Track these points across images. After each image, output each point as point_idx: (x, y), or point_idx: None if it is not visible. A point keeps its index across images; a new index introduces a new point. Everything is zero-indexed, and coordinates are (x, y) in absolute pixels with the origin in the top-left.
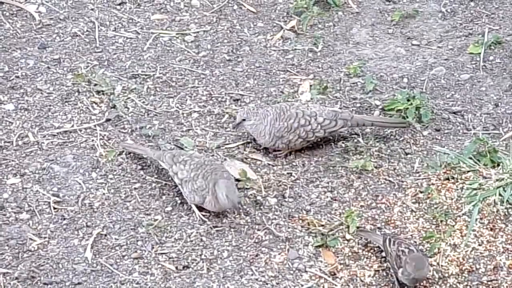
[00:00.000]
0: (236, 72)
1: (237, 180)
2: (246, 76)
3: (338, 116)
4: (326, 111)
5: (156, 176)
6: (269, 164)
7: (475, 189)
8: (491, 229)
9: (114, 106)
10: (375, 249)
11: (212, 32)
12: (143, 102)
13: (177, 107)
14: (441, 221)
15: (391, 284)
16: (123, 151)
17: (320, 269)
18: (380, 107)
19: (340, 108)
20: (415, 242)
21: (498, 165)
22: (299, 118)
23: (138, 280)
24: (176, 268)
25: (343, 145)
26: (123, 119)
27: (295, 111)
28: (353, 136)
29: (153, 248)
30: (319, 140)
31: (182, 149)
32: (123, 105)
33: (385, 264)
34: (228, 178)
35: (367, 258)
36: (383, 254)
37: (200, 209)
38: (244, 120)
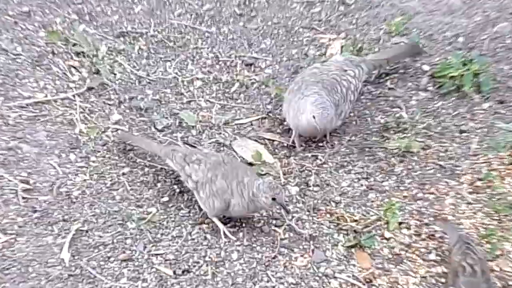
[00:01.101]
0: (248, 30)
1: (250, 164)
2: (261, 34)
3: (355, 64)
4: (342, 62)
5: (149, 159)
6: (289, 145)
7: None
8: None
9: (97, 72)
10: (422, 250)
11: None
12: (134, 66)
13: (176, 73)
14: (505, 215)
15: None
16: (108, 128)
17: (353, 275)
18: (428, 73)
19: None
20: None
21: None
22: (341, 82)
23: (127, 287)
24: (174, 272)
25: (382, 120)
26: (109, 88)
27: (333, 78)
28: (394, 109)
29: (145, 248)
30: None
31: (191, 146)
32: (109, 70)
33: (433, 270)
34: (255, 177)
35: (411, 261)
36: (431, 256)
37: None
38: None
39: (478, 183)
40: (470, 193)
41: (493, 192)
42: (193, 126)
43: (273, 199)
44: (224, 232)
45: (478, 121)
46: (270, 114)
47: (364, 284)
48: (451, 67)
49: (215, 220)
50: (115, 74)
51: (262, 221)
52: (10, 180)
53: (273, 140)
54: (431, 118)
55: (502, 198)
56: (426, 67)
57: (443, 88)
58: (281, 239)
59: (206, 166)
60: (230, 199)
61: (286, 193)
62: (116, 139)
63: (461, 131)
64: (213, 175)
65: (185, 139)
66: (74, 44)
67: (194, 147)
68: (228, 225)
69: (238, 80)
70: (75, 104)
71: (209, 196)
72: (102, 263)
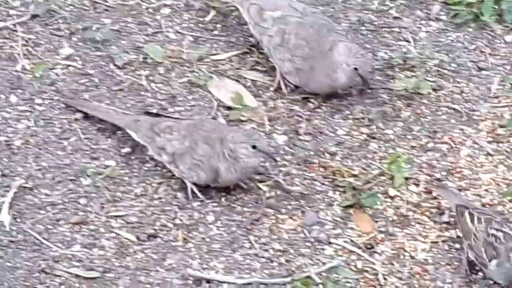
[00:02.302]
0: None
1: (229, 108)
2: None
3: None
4: None
5: (107, 101)
6: (276, 88)
7: None
8: None
9: None
10: (433, 210)
11: None
12: None
13: None
14: None
15: (455, 263)
16: (57, 64)
17: (351, 240)
18: None
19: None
20: (492, 199)
21: None
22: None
23: (80, 255)
24: (138, 238)
25: (385, 56)
26: (58, 16)
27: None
28: (400, 43)
29: (103, 208)
30: None
31: (156, 114)
32: None
33: (446, 234)
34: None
35: (420, 223)
36: (444, 218)
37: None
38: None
39: (500, 131)
40: (489, 142)
41: None
42: (160, 63)
43: (253, 147)
44: (192, 190)
45: (499, 56)
46: (253, 49)
47: (364, 251)
48: None
49: (188, 183)
50: None
51: None
52: None
53: (257, 80)
54: (444, 53)
55: None
56: None
57: (458, 17)
58: (266, 198)
59: (180, 133)
60: (218, 165)
61: (274, 142)
62: (62, 100)
63: (480, 69)
64: (192, 142)
65: (148, 108)
66: None
67: (160, 116)
68: None
69: (214, 8)
70: (16, 35)
71: (191, 168)
72: (50, 227)
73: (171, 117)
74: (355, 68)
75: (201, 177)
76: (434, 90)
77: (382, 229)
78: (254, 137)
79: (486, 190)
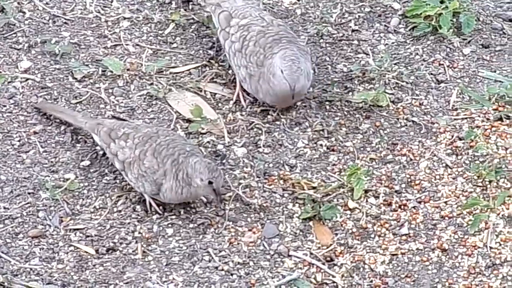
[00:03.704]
0: None
1: (188, 120)
2: None
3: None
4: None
5: None
6: (235, 101)
7: None
8: None
9: (1, 9)
10: (392, 223)
11: None
12: (46, 3)
13: (98, 12)
14: (490, 181)
15: (414, 275)
16: (16, 77)
17: (311, 253)
18: (400, 12)
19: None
20: (451, 212)
21: None
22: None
23: (39, 269)
24: (97, 251)
25: (344, 68)
26: (16, 29)
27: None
28: (359, 55)
29: (61, 222)
30: None
31: (120, 119)
32: (16, 8)
33: (406, 246)
34: (196, 154)
35: (380, 236)
36: (404, 230)
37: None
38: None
39: (459, 143)
40: (449, 154)
41: (476, 154)
42: (119, 76)
43: (210, 182)
44: (150, 204)
45: (458, 69)
46: (212, 61)
47: (323, 263)
48: (426, 5)
49: (146, 196)
50: (23, 13)
51: None
52: None
53: (216, 93)
54: (402, 65)
55: (486, 160)
56: (396, 5)
57: (416, 30)
58: (226, 210)
59: (134, 141)
60: (161, 182)
61: (233, 155)
62: (35, 107)
63: (438, 81)
64: (141, 152)
65: (115, 112)
66: None
67: (124, 120)
68: None
69: (173, 21)
70: None
71: (137, 177)
72: (8, 240)
73: (133, 124)
74: (281, 71)
75: (146, 188)
76: (393, 102)
77: (342, 241)
78: (214, 174)
79: (445, 203)
